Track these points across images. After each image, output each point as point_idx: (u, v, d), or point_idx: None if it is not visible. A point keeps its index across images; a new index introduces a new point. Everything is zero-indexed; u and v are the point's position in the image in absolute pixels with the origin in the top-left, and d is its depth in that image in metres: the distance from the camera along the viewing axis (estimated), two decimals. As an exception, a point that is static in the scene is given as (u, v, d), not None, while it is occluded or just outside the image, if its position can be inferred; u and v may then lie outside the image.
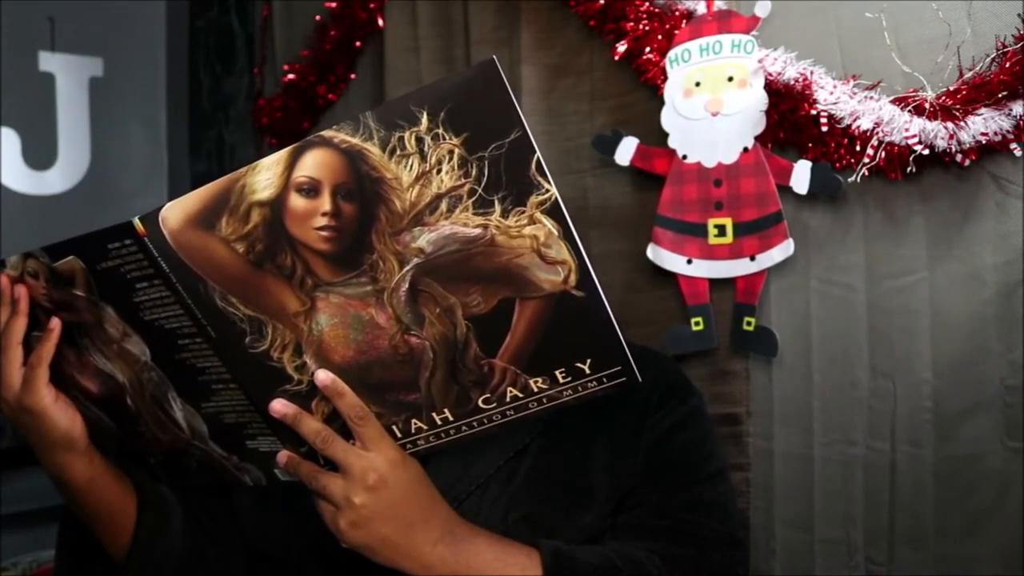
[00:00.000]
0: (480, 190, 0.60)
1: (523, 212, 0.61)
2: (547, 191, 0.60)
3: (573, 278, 0.63)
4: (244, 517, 0.85)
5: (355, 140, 0.60)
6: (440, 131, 0.59)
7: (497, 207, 0.61)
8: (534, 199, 0.60)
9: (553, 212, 0.61)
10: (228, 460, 0.77)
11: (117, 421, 0.79)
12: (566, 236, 0.62)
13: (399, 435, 0.71)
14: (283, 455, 0.72)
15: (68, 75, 1.90)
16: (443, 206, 0.61)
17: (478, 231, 0.62)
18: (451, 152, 0.59)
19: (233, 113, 1.95)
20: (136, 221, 0.63)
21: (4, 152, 1.81)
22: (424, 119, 0.59)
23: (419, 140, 0.59)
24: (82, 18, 1.91)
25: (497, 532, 0.74)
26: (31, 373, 0.72)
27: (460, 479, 0.78)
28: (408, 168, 0.60)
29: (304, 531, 0.78)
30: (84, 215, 1.78)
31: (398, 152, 0.60)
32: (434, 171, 0.60)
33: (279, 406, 0.69)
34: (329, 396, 0.68)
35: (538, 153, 0.59)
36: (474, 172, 0.60)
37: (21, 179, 1.85)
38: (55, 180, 1.89)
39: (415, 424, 0.70)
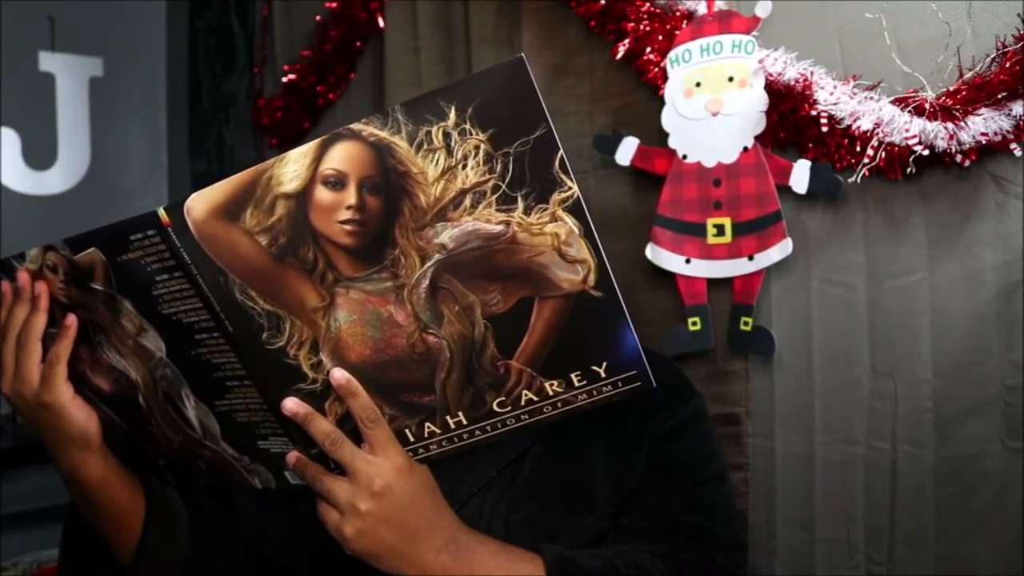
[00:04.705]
0: (504, 186, 0.61)
1: (545, 209, 0.61)
2: (569, 188, 0.60)
3: (592, 277, 0.63)
4: (245, 522, 0.85)
5: (383, 134, 0.60)
6: (467, 127, 0.59)
7: (520, 204, 0.61)
8: (556, 196, 0.61)
9: (574, 210, 0.61)
10: (239, 461, 0.77)
11: (128, 421, 0.79)
12: (586, 235, 0.62)
13: (412, 439, 0.71)
14: (292, 455, 0.72)
15: (68, 75, 1.91)
16: (467, 202, 0.62)
17: (500, 228, 0.62)
18: (477, 148, 0.60)
19: (233, 113, 1.95)
20: (161, 211, 0.63)
21: (4, 152, 1.81)
22: (452, 114, 0.59)
23: (446, 135, 0.60)
24: (82, 18, 1.91)
25: (499, 535, 0.74)
26: (50, 370, 0.72)
27: (462, 481, 0.77)
28: (434, 163, 0.61)
29: (305, 536, 0.78)
30: (84, 215, 1.78)
31: (425, 147, 0.60)
32: (460, 166, 0.60)
33: (291, 404, 0.69)
34: (342, 395, 0.68)
35: (562, 150, 0.59)
36: (499, 168, 0.60)
37: (21, 179, 1.85)
38: (55, 180, 1.90)
39: (428, 428, 0.70)
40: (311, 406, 0.69)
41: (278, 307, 0.66)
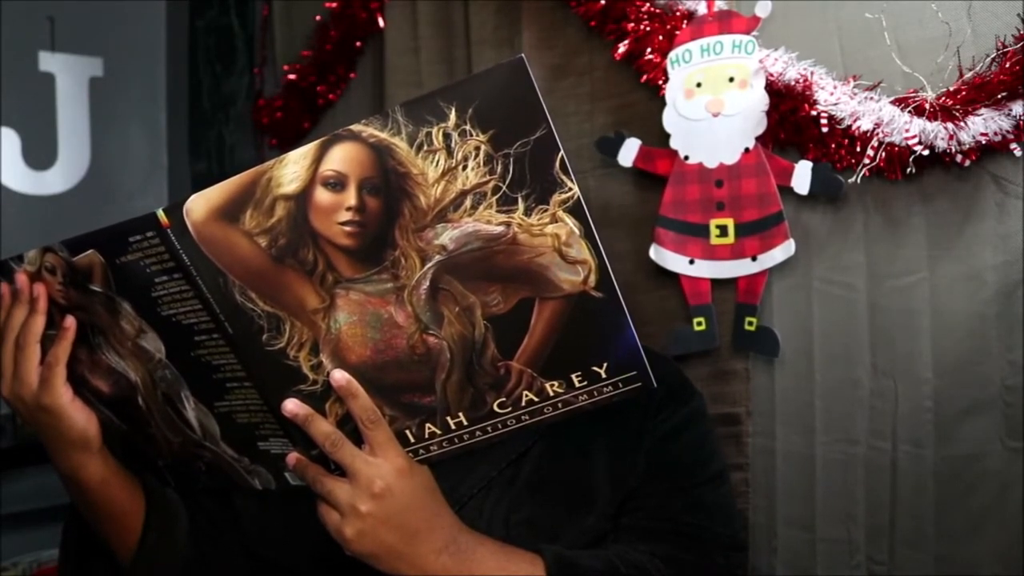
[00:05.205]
0: (504, 187, 0.61)
1: (546, 210, 0.61)
2: (570, 189, 0.60)
3: (593, 278, 0.63)
4: (245, 522, 0.85)
5: (383, 135, 0.60)
6: (467, 127, 0.59)
7: (520, 205, 0.61)
8: (557, 197, 0.61)
9: (575, 211, 0.61)
10: (238, 462, 0.77)
11: (127, 422, 0.79)
12: (587, 235, 0.62)
13: (412, 440, 0.71)
14: (292, 456, 0.72)
15: (68, 75, 1.91)
16: (467, 203, 0.62)
17: (501, 229, 0.62)
18: (477, 149, 0.60)
19: (233, 113, 1.95)
20: (160, 212, 0.63)
21: (4, 152, 1.81)
22: (452, 115, 0.59)
23: (446, 136, 0.60)
24: (82, 18, 1.91)
25: (499, 535, 0.75)
26: (48, 372, 0.72)
27: (463, 481, 0.78)
28: (434, 164, 0.61)
29: (305, 537, 0.78)
30: (84, 215, 1.78)
31: (425, 148, 0.60)
32: (460, 167, 0.60)
33: (292, 406, 0.69)
34: (343, 397, 0.68)
35: (562, 151, 0.59)
36: (499, 169, 0.60)
37: (21, 179, 1.85)
38: (55, 180, 1.90)
39: (429, 428, 0.70)
40: (311, 407, 0.69)
41: (278, 308, 0.66)
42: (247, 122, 1.87)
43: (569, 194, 0.61)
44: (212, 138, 2.01)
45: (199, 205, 0.63)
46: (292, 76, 1.66)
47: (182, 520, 0.84)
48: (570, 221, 0.61)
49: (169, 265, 0.65)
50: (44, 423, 0.74)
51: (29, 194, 1.86)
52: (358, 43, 1.55)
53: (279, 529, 0.83)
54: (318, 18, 1.60)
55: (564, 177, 0.60)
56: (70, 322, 0.72)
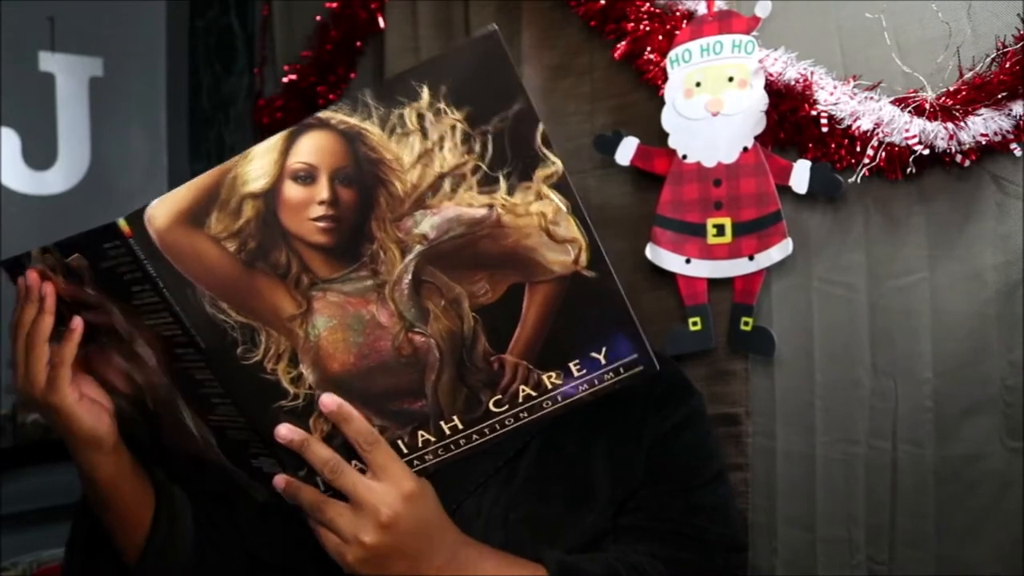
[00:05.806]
0: (484, 166, 0.58)
1: (529, 187, 0.58)
2: (553, 164, 0.58)
3: (584, 257, 0.60)
4: (246, 526, 0.84)
5: (353, 120, 0.57)
6: (442, 106, 0.56)
7: (503, 184, 0.58)
8: (540, 173, 0.58)
9: (560, 187, 0.58)
10: (238, 475, 0.75)
11: (147, 421, 0.77)
12: (575, 211, 0.59)
13: (405, 450, 0.67)
14: (280, 480, 0.67)
15: (68, 75, 1.91)
16: (446, 186, 0.59)
17: (483, 211, 0.59)
18: (453, 128, 0.57)
19: (233, 113, 1.95)
20: (121, 221, 0.58)
21: (4, 152, 1.81)
22: (425, 94, 0.56)
23: (420, 117, 0.57)
24: (82, 18, 1.91)
25: (497, 535, 0.74)
26: (54, 372, 0.71)
27: (460, 480, 0.76)
28: (409, 147, 0.57)
29: (305, 543, 0.77)
30: (84, 215, 1.77)
31: (398, 131, 0.57)
32: (436, 148, 0.57)
33: (285, 431, 0.64)
34: (335, 423, 0.64)
35: (542, 124, 0.57)
36: (478, 148, 0.57)
37: (21, 179, 1.85)
38: (55, 180, 1.90)
39: (422, 436, 0.66)
40: (294, 424, 0.65)
41: (251, 318, 0.61)
42: (247, 122, 1.87)
43: (553, 169, 0.58)
44: (212, 138, 2.01)
45: (161, 212, 0.58)
46: (292, 76, 1.66)
47: (187, 520, 0.83)
48: (556, 197, 0.58)
49: (138, 275, 0.61)
50: (54, 421, 0.74)
51: (29, 194, 1.86)
52: (358, 43, 1.55)
53: (280, 533, 0.82)
54: (318, 18, 1.60)
55: (547, 151, 0.57)
56: (76, 323, 0.71)
